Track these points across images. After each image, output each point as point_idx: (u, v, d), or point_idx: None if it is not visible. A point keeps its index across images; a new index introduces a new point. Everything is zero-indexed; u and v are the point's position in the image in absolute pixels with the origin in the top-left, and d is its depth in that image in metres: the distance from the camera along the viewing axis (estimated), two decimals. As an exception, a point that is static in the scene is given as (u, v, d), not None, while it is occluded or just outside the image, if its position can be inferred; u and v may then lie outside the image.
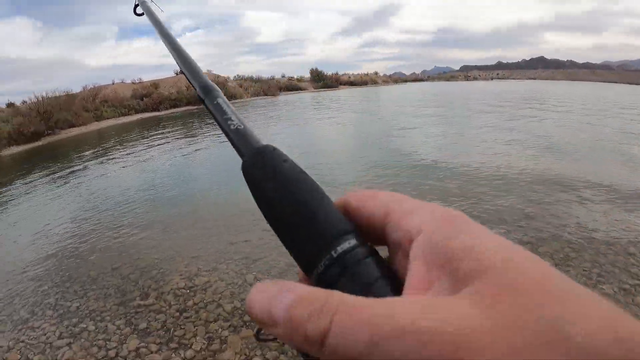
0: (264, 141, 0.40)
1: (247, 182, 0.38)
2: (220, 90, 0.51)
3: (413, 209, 0.31)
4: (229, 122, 0.44)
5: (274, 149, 0.39)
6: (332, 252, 0.31)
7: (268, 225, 0.35)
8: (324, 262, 0.31)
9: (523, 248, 0.25)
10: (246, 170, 0.38)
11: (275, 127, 18.46)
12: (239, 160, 0.39)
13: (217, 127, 0.45)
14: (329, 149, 12.22)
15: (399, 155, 10.35)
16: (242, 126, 0.43)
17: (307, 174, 0.37)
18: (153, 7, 0.79)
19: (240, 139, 0.42)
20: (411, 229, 0.29)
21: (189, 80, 0.55)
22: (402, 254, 0.30)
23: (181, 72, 0.58)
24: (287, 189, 0.35)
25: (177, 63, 0.60)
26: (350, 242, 0.31)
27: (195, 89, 0.52)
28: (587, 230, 5.11)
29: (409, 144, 11.92)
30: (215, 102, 0.48)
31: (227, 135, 0.43)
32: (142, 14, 0.80)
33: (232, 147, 0.43)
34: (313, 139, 15.00)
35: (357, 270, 0.30)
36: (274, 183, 0.36)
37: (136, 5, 0.83)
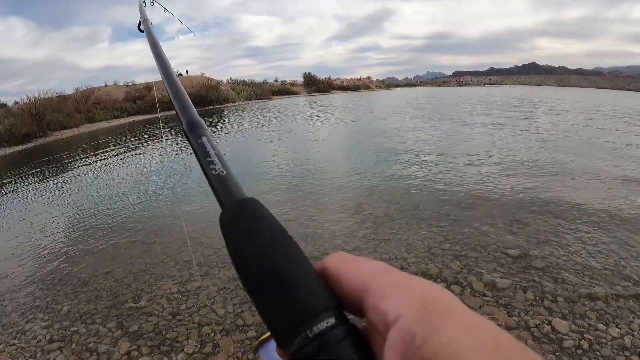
0: (249, 184, 0.37)
1: (224, 236, 0.36)
2: (206, 127, 0.49)
3: (392, 290, 0.29)
4: (211, 166, 0.42)
5: (255, 202, 0.37)
6: (309, 332, 0.29)
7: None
8: (299, 340, 0.29)
9: (514, 340, 0.24)
10: (223, 224, 0.36)
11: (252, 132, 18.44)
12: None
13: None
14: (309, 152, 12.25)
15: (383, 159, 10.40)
16: (224, 172, 0.41)
17: (287, 233, 0.35)
18: (153, 28, 0.79)
19: (221, 187, 0.40)
20: (388, 315, 0.27)
21: (176, 112, 0.53)
22: (379, 336, 0.29)
23: (170, 102, 0.56)
24: (264, 251, 0.33)
25: (167, 90, 0.58)
26: (328, 322, 0.29)
27: (182, 122, 0.50)
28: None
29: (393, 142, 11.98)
30: (199, 141, 0.46)
31: (208, 179, 0.41)
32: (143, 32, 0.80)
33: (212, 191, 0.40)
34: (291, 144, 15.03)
35: (334, 352, 0.28)
36: (251, 243, 0.34)
37: (140, 23, 0.84)
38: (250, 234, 0.34)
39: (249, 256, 0.33)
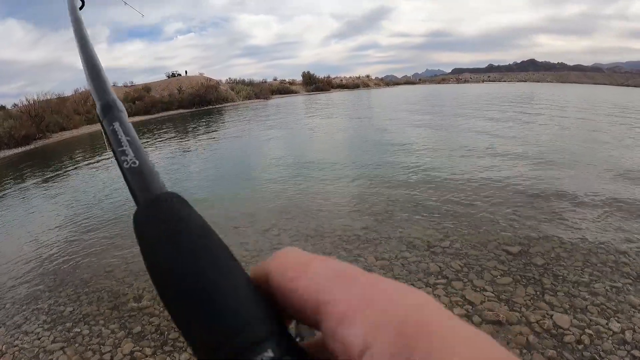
0: (175, 180, 0.29)
1: (137, 238, 0.29)
2: (124, 109, 0.42)
3: (356, 309, 0.22)
4: (123, 158, 0.35)
5: (176, 198, 0.31)
6: None
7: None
8: None
9: None
10: (136, 223, 0.30)
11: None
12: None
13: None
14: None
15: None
16: (137, 163, 0.34)
17: (216, 235, 0.29)
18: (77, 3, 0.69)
19: (135, 181, 0.33)
20: (351, 346, 0.21)
21: (90, 92, 0.45)
22: None
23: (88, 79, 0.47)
24: (184, 258, 0.26)
25: (82, 65, 0.49)
26: (263, 358, 0.22)
27: (96, 104, 0.42)
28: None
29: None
30: (111, 127, 0.38)
31: (122, 173, 0.34)
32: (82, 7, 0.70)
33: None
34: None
35: None
36: (168, 247, 0.27)
37: None
38: (170, 236, 0.28)
39: (167, 264, 0.26)
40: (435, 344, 0.19)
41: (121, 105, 0.42)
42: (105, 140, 0.38)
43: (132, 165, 0.34)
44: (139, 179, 0.33)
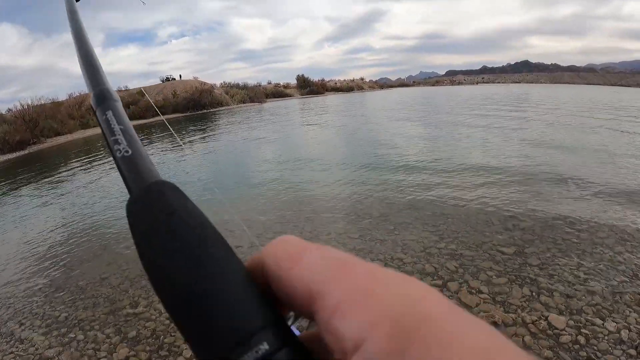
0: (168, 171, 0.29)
1: (130, 227, 0.28)
2: (119, 99, 0.41)
3: (351, 300, 0.21)
4: (116, 147, 0.34)
5: (169, 187, 0.30)
6: None
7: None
8: None
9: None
10: (129, 212, 0.29)
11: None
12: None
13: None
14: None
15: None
16: (129, 151, 0.34)
17: (211, 225, 0.28)
18: None
19: (128, 170, 0.33)
20: (345, 339, 0.20)
21: (85, 80, 0.44)
22: (338, 357, 0.21)
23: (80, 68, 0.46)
24: (178, 249, 0.26)
25: (77, 56, 0.49)
26: (259, 350, 0.22)
27: (90, 94, 0.42)
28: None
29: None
30: (105, 116, 0.38)
31: (115, 162, 0.34)
32: None
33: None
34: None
35: None
36: (161, 237, 0.27)
37: None
38: (164, 227, 0.27)
39: (155, 256, 0.26)
40: (434, 337, 0.18)
41: (116, 95, 0.41)
42: (100, 130, 0.38)
43: (125, 154, 0.33)
44: (131, 167, 0.33)
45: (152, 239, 0.27)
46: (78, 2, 0.67)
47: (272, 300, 0.26)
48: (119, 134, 0.35)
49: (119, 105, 0.40)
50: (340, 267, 0.23)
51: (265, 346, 0.22)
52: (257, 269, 0.26)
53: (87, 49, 0.48)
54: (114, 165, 0.33)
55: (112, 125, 0.36)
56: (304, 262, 0.24)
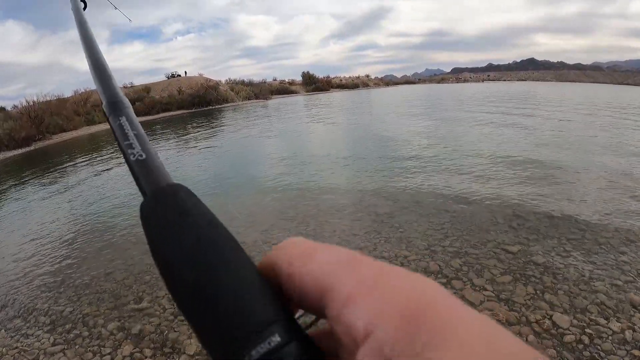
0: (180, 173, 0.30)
1: (144, 228, 0.30)
2: (130, 105, 0.43)
3: (360, 292, 0.22)
4: (130, 151, 0.35)
5: (182, 189, 0.32)
6: (246, 358, 0.23)
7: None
8: None
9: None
10: (143, 214, 0.31)
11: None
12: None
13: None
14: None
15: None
16: (144, 155, 0.35)
17: (222, 226, 0.30)
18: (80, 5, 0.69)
19: (142, 173, 0.34)
20: (356, 329, 0.21)
21: (98, 89, 0.46)
22: (347, 351, 0.23)
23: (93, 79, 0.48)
24: (191, 249, 0.27)
25: (88, 63, 0.50)
26: (270, 342, 0.24)
27: (102, 102, 0.43)
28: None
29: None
30: (118, 122, 0.39)
31: (129, 168, 0.35)
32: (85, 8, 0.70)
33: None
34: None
35: None
36: (175, 238, 0.28)
37: None
38: (177, 228, 0.28)
39: (169, 256, 0.27)
40: (439, 326, 0.19)
41: (127, 102, 0.43)
42: (113, 135, 0.39)
43: (139, 157, 0.35)
44: (145, 171, 0.34)
45: (166, 238, 0.28)
46: (85, 10, 0.69)
47: (282, 298, 0.27)
48: (133, 139, 0.37)
49: (131, 111, 0.42)
50: (349, 262, 0.25)
51: (277, 338, 0.24)
52: (268, 268, 0.28)
53: (98, 59, 0.50)
54: (120, 163, 0.34)
55: (126, 131, 0.38)
56: (316, 259, 0.26)
